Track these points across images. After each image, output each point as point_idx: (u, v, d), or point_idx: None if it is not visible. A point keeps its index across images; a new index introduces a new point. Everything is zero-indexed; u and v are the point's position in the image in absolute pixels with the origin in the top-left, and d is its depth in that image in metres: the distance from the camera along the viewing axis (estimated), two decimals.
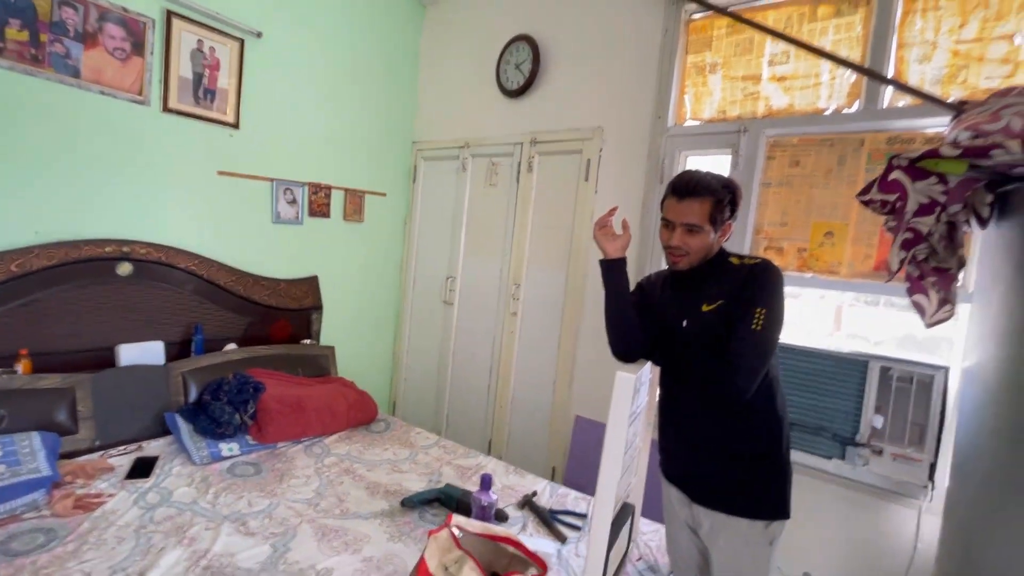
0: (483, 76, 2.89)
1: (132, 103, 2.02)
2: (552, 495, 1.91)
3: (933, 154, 1.07)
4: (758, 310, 1.14)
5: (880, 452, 1.65)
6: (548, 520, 1.70)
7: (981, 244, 1.38)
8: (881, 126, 1.81)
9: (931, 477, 1.63)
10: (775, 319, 1.15)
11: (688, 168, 1.86)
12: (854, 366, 1.73)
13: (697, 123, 2.22)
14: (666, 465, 1.43)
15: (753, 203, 2.06)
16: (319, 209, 2.78)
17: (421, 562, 1.16)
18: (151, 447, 1.93)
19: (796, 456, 1.86)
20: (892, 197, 1.04)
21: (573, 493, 1.94)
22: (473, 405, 2.97)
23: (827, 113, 1.92)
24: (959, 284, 1.18)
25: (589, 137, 2.48)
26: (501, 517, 1.67)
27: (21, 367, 1.77)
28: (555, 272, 2.60)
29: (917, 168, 1.11)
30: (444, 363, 3.10)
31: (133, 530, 1.45)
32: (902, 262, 1.05)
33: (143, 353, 2.08)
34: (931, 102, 1.58)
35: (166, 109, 2.12)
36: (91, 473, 1.69)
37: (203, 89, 2.22)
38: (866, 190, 1.10)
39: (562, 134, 2.57)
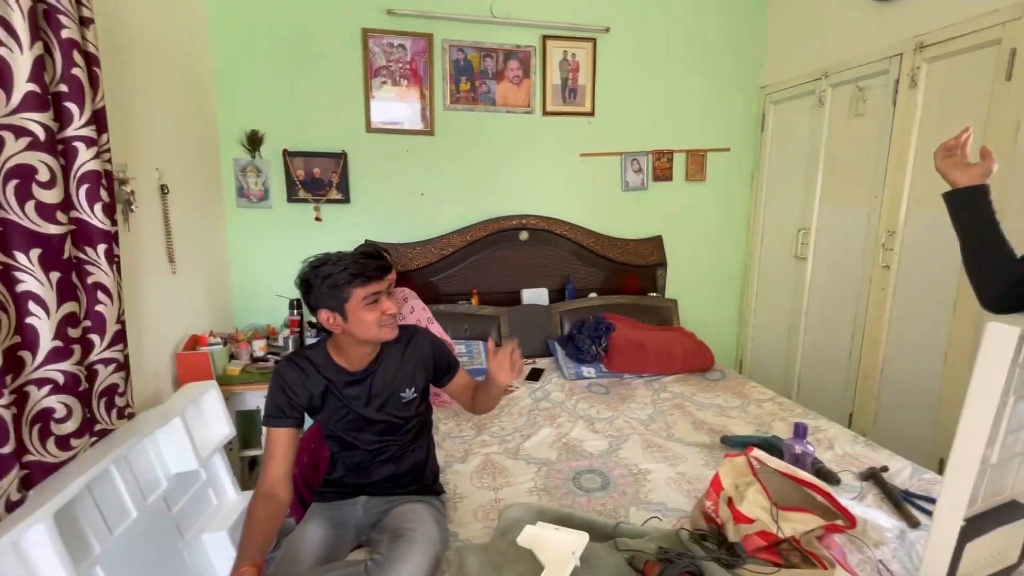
0: None
1: (525, 114, 2.79)
2: (914, 477, 1.60)
3: None
4: None
5: None
6: (897, 498, 1.47)
7: None
8: None
9: None
10: None
11: None
12: None
13: None
14: None
15: None
16: (662, 174, 3.03)
17: (715, 476, 1.29)
18: (541, 362, 2.69)
19: None
20: None
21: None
22: (831, 372, 2.64)
23: None
24: None
25: (1016, 17, 1.76)
26: (831, 479, 1.55)
27: (473, 300, 2.81)
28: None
29: None
30: (795, 324, 2.86)
31: (527, 411, 2.14)
32: None
33: (536, 296, 2.89)
34: None
35: (545, 113, 2.81)
36: None
37: (568, 90, 2.81)
38: None
39: (965, 26, 1.92)
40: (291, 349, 2.24)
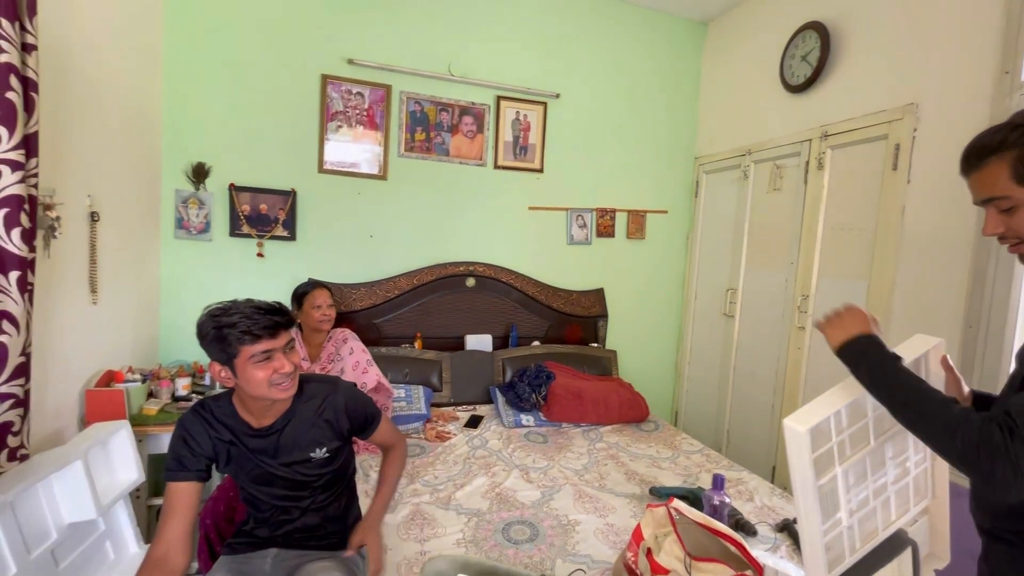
0: (766, 77, 2.76)
1: (477, 166, 2.91)
2: None
3: None
4: None
5: None
6: None
7: None
8: None
9: None
10: None
11: None
12: None
13: None
14: None
15: None
16: (605, 230, 3.20)
17: (637, 527, 1.32)
18: (481, 409, 2.68)
19: None
20: None
21: None
22: (756, 426, 2.78)
23: None
24: None
25: (898, 118, 2.06)
26: (748, 530, 1.62)
27: (417, 344, 2.79)
28: (853, 281, 2.23)
29: None
30: (725, 378, 3.02)
31: (462, 459, 2.12)
32: None
33: (479, 342, 2.91)
34: None
35: (496, 166, 2.94)
36: (447, 418, 2.51)
37: (519, 147, 2.96)
38: None
39: (860, 121, 2.22)
40: (219, 390, 2.13)
